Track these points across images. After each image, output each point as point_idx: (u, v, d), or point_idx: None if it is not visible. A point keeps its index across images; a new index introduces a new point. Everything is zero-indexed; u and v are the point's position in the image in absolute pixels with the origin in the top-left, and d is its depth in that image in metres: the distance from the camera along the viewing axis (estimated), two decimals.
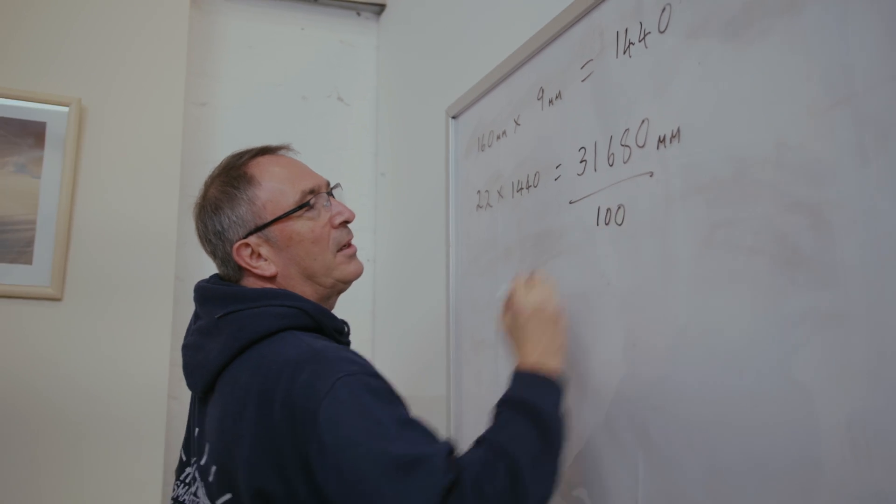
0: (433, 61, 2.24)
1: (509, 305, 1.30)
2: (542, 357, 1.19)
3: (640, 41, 1.23)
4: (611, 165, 1.29)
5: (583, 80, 1.39)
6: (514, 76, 1.65)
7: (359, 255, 2.60)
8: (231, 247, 1.22)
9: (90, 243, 2.03)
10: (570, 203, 1.40)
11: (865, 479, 0.82)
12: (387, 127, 2.64)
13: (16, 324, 1.93)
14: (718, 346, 1.03)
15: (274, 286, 1.23)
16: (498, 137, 1.70)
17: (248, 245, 1.22)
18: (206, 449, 1.18)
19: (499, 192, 1.67)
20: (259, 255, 1.22)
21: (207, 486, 1.15)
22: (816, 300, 0.88)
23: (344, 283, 1.31)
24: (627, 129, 1.25)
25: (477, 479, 0.99)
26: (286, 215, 1.22)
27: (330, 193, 1.31)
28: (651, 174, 1.18)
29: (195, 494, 1.19)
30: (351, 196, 2.62)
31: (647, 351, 1.17)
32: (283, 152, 1.33)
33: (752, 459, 0.96)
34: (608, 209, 1.30)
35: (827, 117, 0.87)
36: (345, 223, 1.31)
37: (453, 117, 1.95)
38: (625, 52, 1.27)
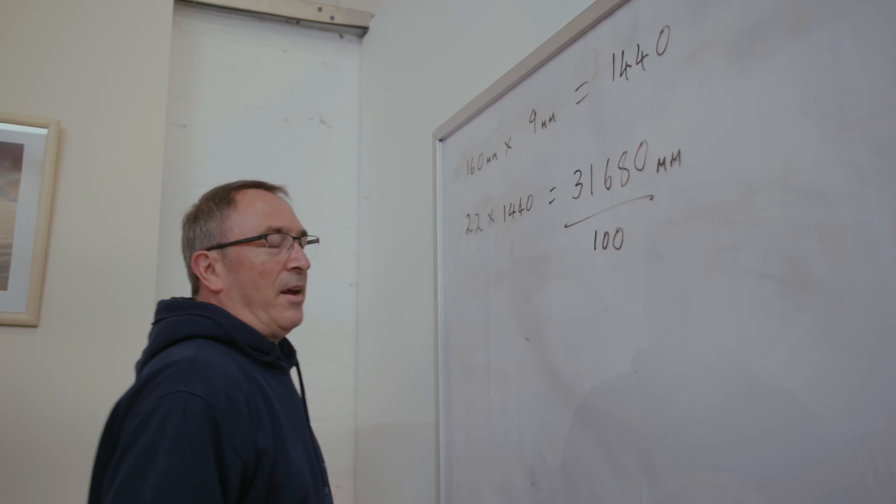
0: (418, 84, 2.23)
1: None
2: None
3: (637, 63, 1.22)
4: (608, 188, 1.28)
5: (577, 103, 1.37)
6: (504, 98, 1.63)
7: (342, 278, 2.57)
8: (192, 254, 1.32)
9: (68, 268, 1.97)
10: (566, 227, 1.39)
11: (878, 500, 0.80)
12: (370, 149, 2.61)
13: None
14: (725, 373, 1.01)
15: (216, 302, 1.30)
16: (488, 160, 1.68)
17: (206, 257, 1.30)
18: None
19: (489, 216, 1.65)
20: (212, 269, 1.30)
21: None
22: (827, 325, 0.87)
23: (279, 327, 1.32)
24: (625, 152, 1.23)
25: None
26: (245, 241, 1.30)
27: (298, 240, 1.37)
28: (651, 197, 1.17)
29: None
30: (334, 219, 2.60)
31: (650, 378, 1.15)
32: (277, 192, 1.42)
33: (762, 489, 0.94)
34: (606, 233, 1.28)
35: (837, 140, 0.86)
36: (298, 269, 1.34)
37: (440, 140, 1.93)
38: (621, 75, 1.26)
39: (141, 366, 1.26)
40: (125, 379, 1.96)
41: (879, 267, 0.81)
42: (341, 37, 2.75)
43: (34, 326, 1.91)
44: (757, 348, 0.96)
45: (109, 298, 2.01)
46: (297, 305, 1.35)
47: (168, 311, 1.28)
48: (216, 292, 1.30)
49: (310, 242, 1.43)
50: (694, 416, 1.06)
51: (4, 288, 1.87)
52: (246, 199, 1.35)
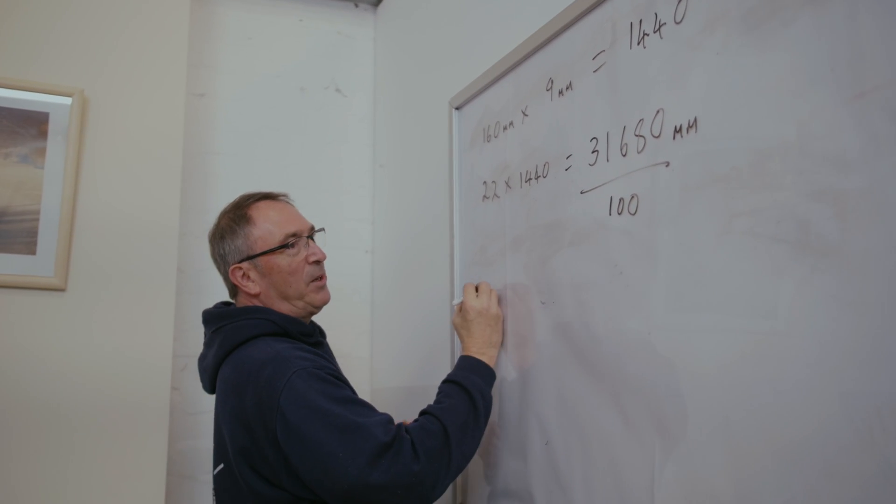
0: (433, 53, 2.25)
1: (460, 308, 1.67)
2: (482, 348, 1.60)
3: (654, 32, 1.24)
4: (624, 156, 1.31)
5: (595, 71, 1.40)
6: (521, 67, 1.66)
7: (357, 245, 2.62)
8: (228, 268, 1.60)
9: (93, 234, 2.02)
10: (582, 193, 1.42)
11: (889, 458, 0.84)
12: (385, 118, 2.64)
13: (19, 314, 1.93)
14: (738, 334, 1.04)
15: (258, 302, 1.60)
16: (504, 128, 1.71)
17: (240, 268, 1.59)
18: (214, 436, 1.59)
19: (506, 183, 1.68)
20: (248, 277, 1.59)
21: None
22: (840, 288, 0.90)
23: (314, 307, 1.64)
24: (642, 120, 1.26)
25: (416, 439, 1.34)
26: (270, 251, 1.58)
27: (311, 237, 1.65)
28: (667, 164, 1.20)
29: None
30: (349, 187, 2.64)
31: (664, 340, 1.18)
32: (282, 198, 1.68)
33: (775, 445, 0.98)
34: (621, 199, 1.31)
35: (853, 107, 0.89)
36: (317, 262, 1.63)
37: (457, 108, 1.96)
38: (639, 43, 1.28)
39: (215, 365, 1.54)
40: (150, 340, 2.02)
41: (893, 231, 0.84)
42: (356, 6, 2.76)
43: (62, 290, 1.96)
44: (770, 310, 0.99)
45: (134, 263, 2.05)
46: (324, 287, 1.65)
47: (222, 318, 1.56)
48: (255, 295, 1.59)
49: (318, 232, 1.68)
50: (707, 377, 1.09)
51: (33, 253, 1.92)
52: (259, 213, 1.61)
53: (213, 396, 1.60)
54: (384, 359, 2.48)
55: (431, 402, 1.50)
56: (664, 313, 1.19)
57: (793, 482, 0.95)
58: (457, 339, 1.87)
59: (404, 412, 2.22)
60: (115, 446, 1.98)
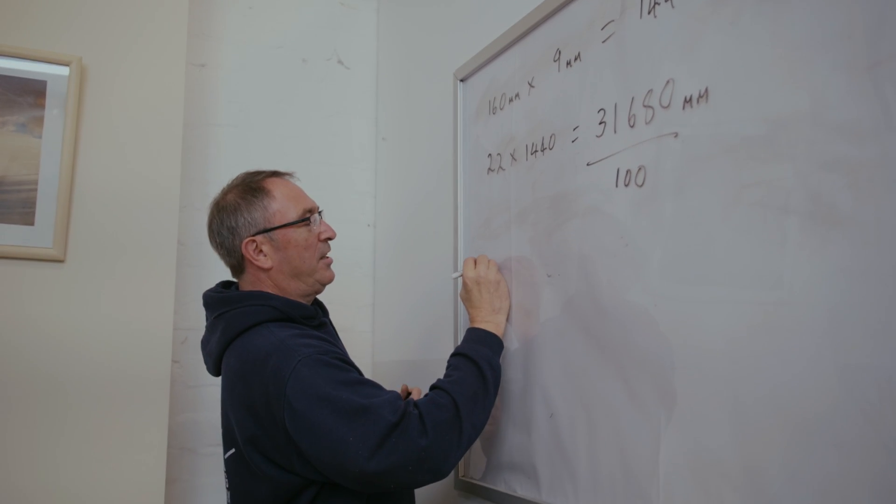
0: (438, 23, 2.22)
1: (463, 282, 1.67)
2: (487, 315, 1.61)
3: (665, 1, 1.22)
4: (632, 127, 1.29)
5: (603, 42, 1.38)
6: (528, 38, 1.64)
7: (359, 219, 2.61)
8: (241, 241, 1.56)
9: (92, 205, 2.00)
10: (588, 165, 1.40)
11: None
12: (388, 90, 2.61)
13: (17, 285, 1.91)
14: (746, 306, 1.04)
15: (267, 278, 1.58)
16: (511, 100, 1.69)
17: (254, 241, 1.56)
18: (222, 416, 1.61)
19: (512, 155, 1.66)
20: (261, 251, 1.56)
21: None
22: (852, 259, 0.89)
23: (321, 285, 1.64)
24: (651, 90, 1.24)
25: (426, 412, 1.34)
26: (290, 224, 1.57)
27: (319, 214, 1.65)
28: (676, 135, 1.18)
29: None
30: (351, 160, 2.61)
31: (670, 311, 1.18)
32: (288, 177, 1.66)
33: (782, 417, 0.97)
34: (628, 170, 1.29)
35: (869, 75, 0.87)
36: (328, 239, 1.64)
37: (461, 80, 1.93)
38: (649, 13, 1.26)
39: (219, 352, 1.54)
40: (150, 312, 2.01)
41: None
42: None
43: (61, 262, 1.94)
44: (778, 282, 0.98)
45: (134, 234, 2.04)
46: (330, 265, 1.66)
47: (223, 304, 1.55)
48: (267, 269, 1.57)
49: (320, 212, 1.68)
50: (714, 348, 1.09)
51: (31, 223, 1.90)
52: (276, 187, 1.59)
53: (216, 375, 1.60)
54: (386, 332, 2.47)
55: (439, 377, 1.50)
56: (671, 285, 1.18)
57: (800, 454, 0.95)
58: (461, 312, 1.87)
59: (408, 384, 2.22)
60: (115, 419, 1.97)
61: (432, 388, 1.46)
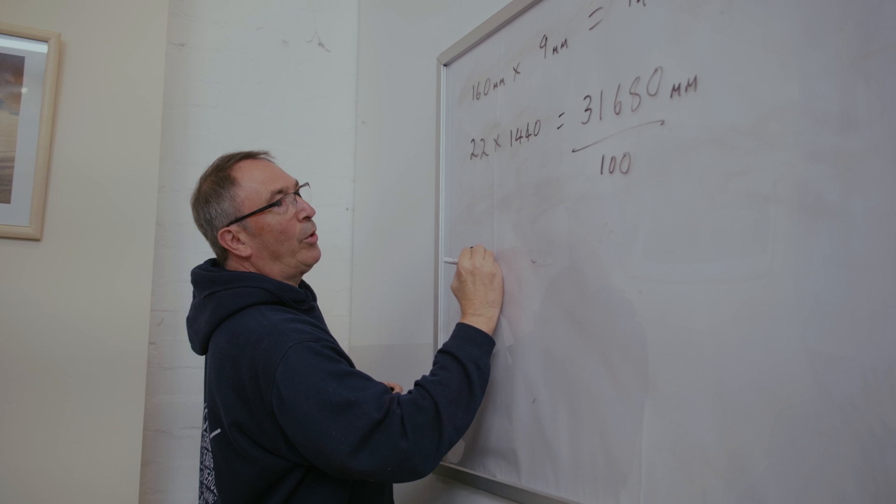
0: (421, 7, 2.21)
1: (457, 272, 1.63)
2: (479, 309, 1.57)
3: None
4: (617, 114, 1.30)
5: (591, 29, 1.38)
6: (514, 23, 1.63)
7: (338, 202, 2.60)
8: (217, 232, 1.56)
9: (70, 183, 1.97)
10: (573, 152, 1.41)
11: (882, 418, 0.85)
12: (369, 74, 2.60)
13: None
14: (731, 294, 1.05)
15: (249, 265, 1.57)
16: (495, 86, 1.69)
17: (229, 231, 1.55)
18: (205, 395, 1.59)
19: (496, 141, 1.67)
20: (238, 240, 1.55)
21: (206, 422, 1.56)
22: (838, 249, 0.90)
23: (305, 266, 1.62)
24: (638, 78, 1.25)
25: (407, 414, 1.34)
26: (258, 211, 1.54)
27: (297, 193, 1.62)
28: (662, 122, 1.19)
29: (205, 430, 1.57)
30: (330, 144, 2.60)
31: (654, 299, 1.19)
32: (262, 156, 1.63)
33: (767, 404, 0.99)
34: (613, 157, 1.30)
35: (860, 67, 0.88)
36: (307, 217, 1.60)
37: (445, 65, 1.93)
38: (638, 1, 1.27)
39: (207, 331, 1.53)
40: (128, 293, 1.99)
41: (893, 192, 0.84)
42: None
43: (38, 240, 1.92)
44: (764, 270, 1.00)
45: (111, 214, 2.01)
46: (315, 244, 1.62)
47: (215, 284, 1.53)
48: (247, 257, 1.56)
49: (302, 188, 1.65)
50: (698, 336, 1.10)
51: (7, 201, 1.87)
52: (242, 173, 1.56)
53: (193, 353, 1.58)
54: (363, 316, 2.47)
55: (424, 374, 1.49)
56: (655, 272, 1.19)
57: (786, 441, 0.96)
58: (442, 296, 1.87)
59: (382, 369, 2.23)
60: (90, 400, 1.95)
61: (416, 384, 1.44)
